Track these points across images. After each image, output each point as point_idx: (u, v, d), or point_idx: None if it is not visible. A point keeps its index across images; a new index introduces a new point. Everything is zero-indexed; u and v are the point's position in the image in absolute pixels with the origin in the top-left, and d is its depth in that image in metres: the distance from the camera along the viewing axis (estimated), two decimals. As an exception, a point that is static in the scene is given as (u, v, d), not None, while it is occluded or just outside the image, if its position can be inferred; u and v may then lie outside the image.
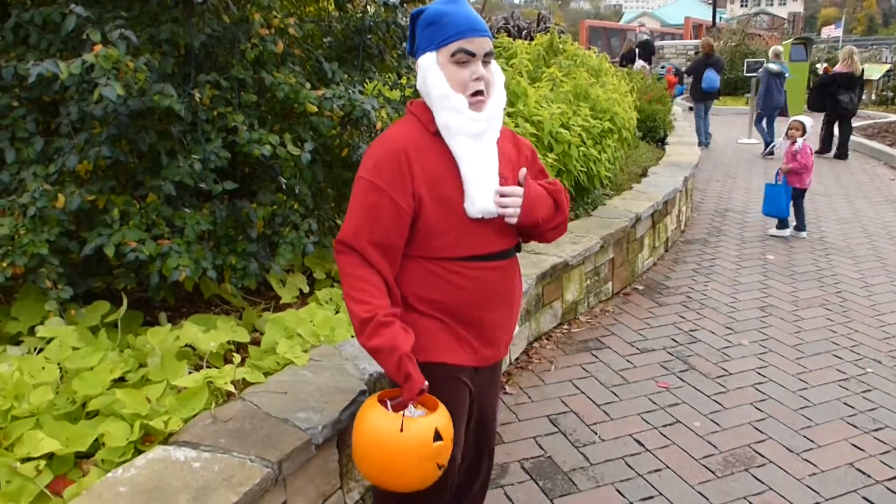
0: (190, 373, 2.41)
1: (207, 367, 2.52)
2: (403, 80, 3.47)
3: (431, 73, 1.69)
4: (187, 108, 2.71)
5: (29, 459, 1.88)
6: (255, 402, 2.19)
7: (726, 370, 3.63)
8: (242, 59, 2.89)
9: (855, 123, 12.62)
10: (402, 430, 1.58)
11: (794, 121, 6.13)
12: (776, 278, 5.09)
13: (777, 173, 6.14)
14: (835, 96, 9.31)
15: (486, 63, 1.70)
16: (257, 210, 2.98)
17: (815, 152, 9.21)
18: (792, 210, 6.17)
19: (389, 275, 1.72)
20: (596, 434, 3.04)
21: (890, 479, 2.72)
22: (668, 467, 2.79)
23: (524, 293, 3.53)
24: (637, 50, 16.71)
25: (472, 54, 1.67)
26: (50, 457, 1.94)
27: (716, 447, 2.93)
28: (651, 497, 2.61)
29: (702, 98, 10.52)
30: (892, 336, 4.07)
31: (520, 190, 1.76)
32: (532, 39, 7.48)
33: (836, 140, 9.86)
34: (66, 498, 1.84)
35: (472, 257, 1.75)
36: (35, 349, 2.44)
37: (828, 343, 3.98)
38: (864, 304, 4.58)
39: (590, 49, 7.67)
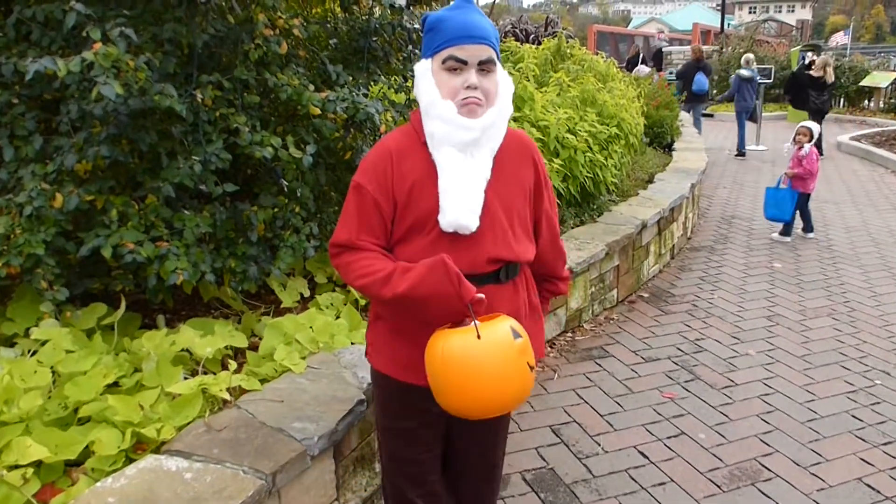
0: (186, 378, 2.37)
1: (203, 372, 2.48)
2: (409, 84, 3.42)
3: (422, 80, 1.63)
4: (189, 109, 2.67)
5: (17, 467, 1.84)
6: (250, 411, 2.15)
7: (732, 381, 3.56)
8: (246, 60, 2.84)
9: (863, 131, 12.55)
10: (479, 336, 1.46)
11: (802, 126, 6.19)
12: (783, 287, 5.03)
13: (781, 177, 6.18)
14: (808, 96, 10.35)
15: (485, 71, 1.59)
16: (258, 213, 2.93)
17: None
18: (798, 214, 6.21)
19: (390, 256, 1.65)
20: (599, 445, 2.98)
21: (900, 497, 2.66)
22: (672, 480, 2.73)
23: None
24: (642, 55, 16.69)
25: (464, 62, 1.57)
26: (39, 464, 1.90)
27: (721, 460, 2.87)
28: (655, 512, 2.55)
29: (693, 100, 11.21)
30: (901, 348, 4.01)
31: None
32: (540, 44, 7.43)
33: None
34: (57, 505, 1.79)
35: None
36: (29, 351, 2.40)
37: (836, 354, 3.91)
38: (873, 314, 4.51)
39: (597, 54, 7.63)
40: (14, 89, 2.70)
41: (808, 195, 6.19)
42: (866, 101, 16.74)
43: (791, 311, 4.57)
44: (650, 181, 6.16)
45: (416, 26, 3.44)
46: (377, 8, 3.38)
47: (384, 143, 1.68)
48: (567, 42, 7.20)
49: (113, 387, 2.30)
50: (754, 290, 4.94)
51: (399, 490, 1.82)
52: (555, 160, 4.49)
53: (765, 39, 21.16)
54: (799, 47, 15.25)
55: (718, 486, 2.69)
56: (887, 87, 15.84)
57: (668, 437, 3.04)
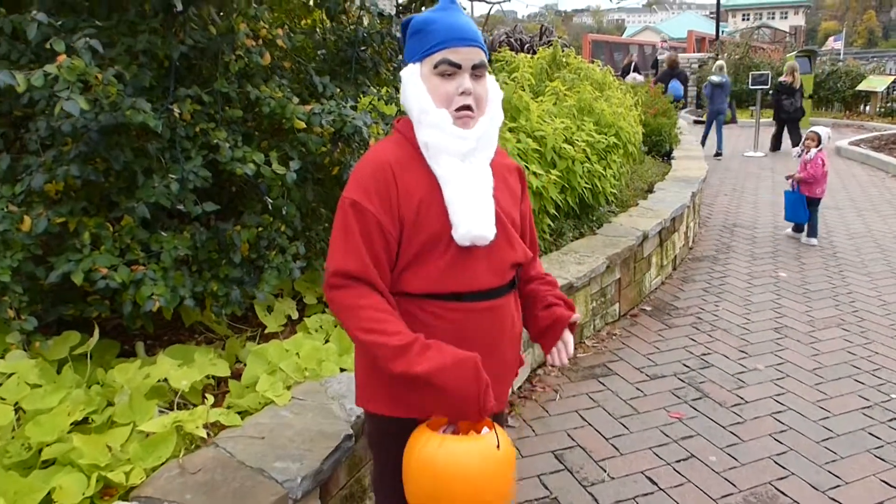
0: (162, 413, 2.21)
1: (181, 405, 2.32)
2: (386, 93, 3.29)
3: (411, 85, 1.51)
4: (166, 124, 2.53)
5: (-28, 518, 1.68)
6: (228, 449, 1.99)
7: (742, 398, 3.41)
8: (226, 72, 2.70)
9: (861, 136, 12.51)
10: (498, 446, 1.37)
11: (811, 131, 6.27)
12: (789, 297, 4.88)
13: (791, 181, 6.29)
14: (780, 102, 11.29)
15: (476, 77, 1.51)
16: (241, 232, 2.78)
17: (771, 150, 11.68)
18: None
19: (394, 304, 1.49)
20: (605, 471, 2.82)
21: (926, 524, 2.50)
22: (683, 510, 2.57)
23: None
24: (634, 63, 16.71)
25: (458, 66, 1.47)
26: (-3, 513, 1.74)
27: (734, 485, 2.71)
28: (666, 545, 2.39)
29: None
30: (916, 360, 3.86)
31: (570, 338, 1.64)
32: (535, 53, 7.32)
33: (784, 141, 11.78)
34: (11, 563, 1.63)
35: (454, 295, 1.51)
36: (-4, 386, 2.24)
37: (847, 367, 3.76)
38: (883, 324, 4.36)
39: (592, 62, 7.51)
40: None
41: (817, 200, 6.25)
42: (863, 106, 16.66)
43: (799, 322, 4.41)
44: (650, 191, 6.03)
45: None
46: (365, 17, 3.24)
47: (379, 155, 1.52)
48: (563, 51, 7.08)
49: (83, 424, 2.14)
50: (760, 301, 4.79)
51: None
52: (552, 171, 4.35)
53: (759, 46, 21.14)
54: (794, 53, 15.17)
55: (733, 515, 2.54)
56: (883, 90, 15.77)
57: (678, 461, 2.88)
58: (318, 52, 3.43)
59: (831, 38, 29.04)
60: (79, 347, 2.52)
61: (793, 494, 2.65)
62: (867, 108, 16.52)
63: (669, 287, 5.12)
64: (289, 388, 2.38)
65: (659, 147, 7.93)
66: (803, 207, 6.18)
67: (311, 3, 3.09)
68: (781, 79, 11.46)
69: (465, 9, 1.83)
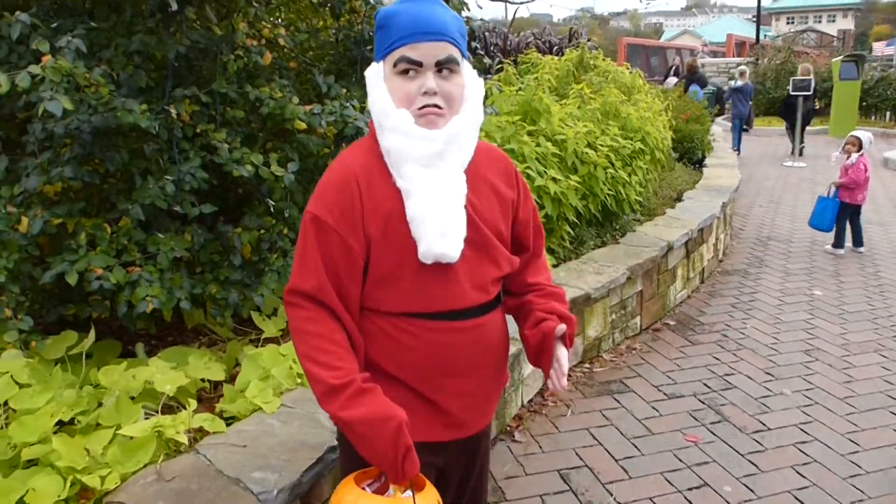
0: (149, 415, 2.17)
1: (172, 411, 2.27)
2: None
3: (374, 87, 1.37)
4: (163, 125, 2.50)
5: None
6: (208, 457, 1.93)
7: (764, 424, 3.23)
8: (225, 72, 2.66)
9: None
10: None
11: (852, 136, 6.12)
12: (824, 317, 4.65)
13: (830, 187, 6.14)
14: (795, 105, 11.46)
15: (447, 73, 1.35)
16: (242, 235, 2.74)
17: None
18: (848, 227, 6.19)
19: (356, 330, 1.39)
20: (611, 495, 2.69)
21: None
22: (691, 540, 2.43)
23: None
24: (674, 67, 16.51)
25: (419, 63, 1.33)
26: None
27: (749, 517, 2.56)
28: (670, 577, 2.26)
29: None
30: (955, 386, 3.63)
31: (563, 354, 1.47)
32: (563, 55, 7.19)
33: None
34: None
35: (427, 314, 1.39)
36: (-16, 386, 2.22)
37: (883, 397, 3.53)
38: (924, 349, 4.13)
39: (625, 66, 7.35)
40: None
41: (858, 207, 6.10)
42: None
43: (832, 344, 4.20)
44: (678, 199, 5.85)
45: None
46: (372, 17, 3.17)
47: (345, 163, 1.39)
48: (590, 53, 6.94)
49: (70, 425, 2.11)
50: (791, 320, 4.58)
51: None
52: (572, 177, 4.22)
53: (804, 50, 20.54)
54: (840, 58, 14.70)
55: (744, 548, 2.39)
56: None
57: (689, 489, 2.73)
58: (330, 52, 3.38)
59: (882, 43, 28.07)
60: (74, 348, 2.49)
61: (811, 528, 2.49)
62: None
63: (695, 301, 4.94)
64: (280, 394, 2.31)
65: (690, 154, 7.72)
66: (832, 216, 6.01)
67: (316, 1, 3.02)
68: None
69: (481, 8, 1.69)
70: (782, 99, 16.00)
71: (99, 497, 1.79)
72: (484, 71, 4.27)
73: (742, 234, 6.92)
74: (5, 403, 2.07)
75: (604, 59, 7.15)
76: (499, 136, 4.16)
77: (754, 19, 26.98)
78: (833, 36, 32.19)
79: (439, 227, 1.33)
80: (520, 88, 5.09)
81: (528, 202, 1.57)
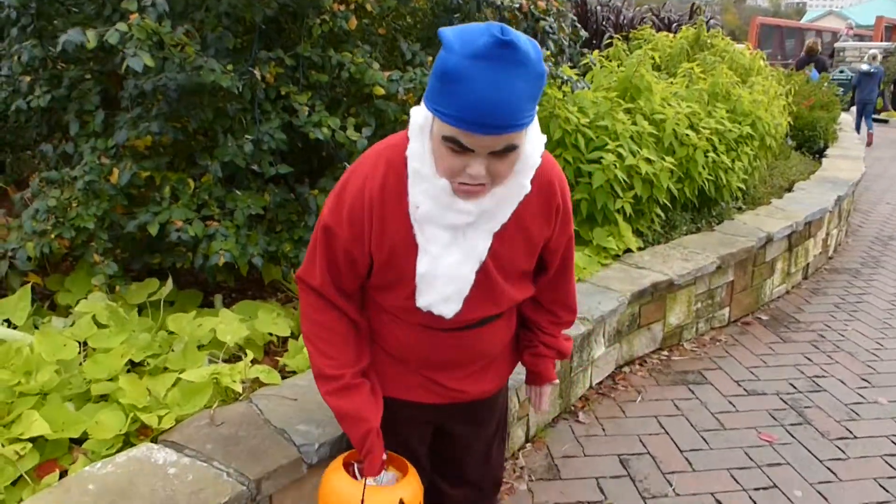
0: (213, 362, 2.28)
1: (236, 360, 2.38)
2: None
3: (416, 135, 1.27)
4: (247, 86, 2.58)
5: (20, 440, 1.82)
6: (259, 407, 2.01)
7: (851, 432, 2.99)
8: (310, 36, 2.71)
9: None
10: (362, 501, 1.39)
11: None
12: (941, 323, 4.24)
13: None
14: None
15: (500, 156, 1.19)
16: (318, 197, 2.81)
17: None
18: None
19: (358, 314, 1.48)
20: (671, 486, 2.59)
21: None
22: (750, 544, 2.30)
23: (613, 311, 3.14)
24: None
25: (469, 150, 1.17)
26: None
27: (819, 527, 2.39)
28: (720, 579, 2.15)
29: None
30: None
31: (546, 392, 1.74)
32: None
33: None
34: (43, 485, 1.75)
35: (427, 327, 1.46)
36: (72, 324, 2.42)
37: None
38: None
39: (758, 49, 6.89)
40: (88, 65, 2.75)
41: None
42: None
43: (945, 353, 3.82)
44: (789, 189, 5.46)
45: (507, 3, 3.16)
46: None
47: (364, 181, 1.33)
48: (708, 31, 6.55)
49: (140, 366, 2.26)
50: (901, 325, 4.20)
51: None
52: (668, 159, 4.02)
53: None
54: None
55: (808, 559, 2.24)
56: None
57: (756, 489, 2.58)
58: (421, 20, 3.38)
59: None
60: (156, 294, 2.65)
61: (890, 548, 2.30)
62: None
63: (794, 297, 4.62)
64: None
65: (811, 143, 7.16)
66: None
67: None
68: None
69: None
70: None
71: (155, 435, 1.90)
72: (580, 43, 4.14)
73: (860, 231, 6.38)
74: (85, 342, 2.24)
75: (723, 38, 6.74)
76: (592, 111, 4.02)
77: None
78: None
79: (445, 292, 1.35)
80: (621, 64, 4.90)
81: (565, 232, 1.49)
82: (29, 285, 2.51)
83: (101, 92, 2.65)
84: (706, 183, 4.37)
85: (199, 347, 2.36)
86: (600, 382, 3.32)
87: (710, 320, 3.98)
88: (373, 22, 3.03)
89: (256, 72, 2.55)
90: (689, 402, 3.21)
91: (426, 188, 1.25)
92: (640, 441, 2.88)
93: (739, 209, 4.79)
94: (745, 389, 3.34)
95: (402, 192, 1.31)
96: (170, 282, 2.62)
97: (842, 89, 9.88)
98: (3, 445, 1.76)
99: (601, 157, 3.73)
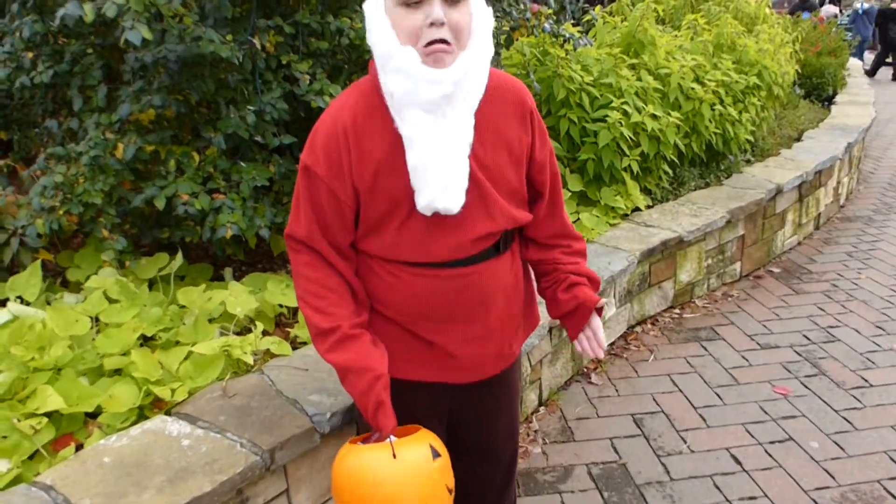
0: (224, 335, 2.29)
1: (248, 332, 2.39)
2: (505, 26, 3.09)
3: (373, 21, 1.27)
4: (247, 56, 2.55)
5: (35, 415, 1.83)
6: (270, 378, 2.02)
7: (866, 380, 2.99)
8: (309, 3, 2.66)
9: None
10: (394, 456, 1.30)
11: None
12: (956, 270, 4.20)
13: None
14: (887, 27, 12.16)
15: (452, 2, 1.23)
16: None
17: (867, 73, 11.53)
18: None
19: (351, 274, 1.41)
20: (685, 443, 2.60)
21: None
22: (766, 496, 2.31)
23: (623, 271, 3.11)
24: None
25: None
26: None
27: (834, 478, 2.39)
28: (736, 530, 2.17)
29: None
30: None
31: (598, 325, 1.51)
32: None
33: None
34: (59, 459, 1.77)
35: (409, 263, 1.38)
36: (85, 299, 2.42)
37: None
38: None
39: None
40: (89, 39, 2.71)
41: None
42: None
43: (961, 299, 3.79)
44: (798, 139, 5.38)
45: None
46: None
47: (337, 112, 1.33)
48: (712, -19, 6.39)
49: (151, 340, 2.27)
50: (916, 272, 4.17)
51: None
52: (673, 114, 3.96)
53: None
54: None
55: (824, 509, 2.25)
56: None
57: (771, 442, 2.59)
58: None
59: None
60: (166, 268, 2.66)
61: (906, 495, 2.30)
62: None
63: (806, 248, 4.58)
64: (347, 323, 2.37)
65: (819, 91, 7.03)
66: None
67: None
68: (856, 5, 12.77)
69: None
70: None
71: (168, 408, 1.92)
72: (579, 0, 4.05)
73: (872, 177, 6.30)
74: (97, 318, 2.25)
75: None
76: (596, 69, 3.95)
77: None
78: None
79: (442, 179, 1.28)
80: (625, 19, 4.79)
81: (546, 144, 1.47)
82: (39, 262, 2.52)
83: (104, 66, 2.62)
84: (713, 137, 4.30)
85: (210, 320, 2.37)
86: (612, 343, 3.32)
87: (722, 276, 3.96)
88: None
89: (256, 41, 2.50)
90: (702, 359, 3.20)
91: (396, 66, 1.24)
92: (654, 400, 2.89)
93: (748, 161, 4.72)
94: (758, 343, 3.33)
95: (377, 111, 1.31)
96: (179, 256, 2.62)
97: (849, 34, 9.68)
98: (19, 420, 1.78)
99: (606, 116, 3.68)
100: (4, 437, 1.77)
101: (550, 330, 2.73)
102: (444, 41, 1.23)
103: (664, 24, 5.74)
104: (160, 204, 2.48)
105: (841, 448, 2.54)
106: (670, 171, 4.14)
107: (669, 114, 3.95)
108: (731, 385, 2.98)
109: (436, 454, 1.35)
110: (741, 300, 3.82)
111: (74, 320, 2.17)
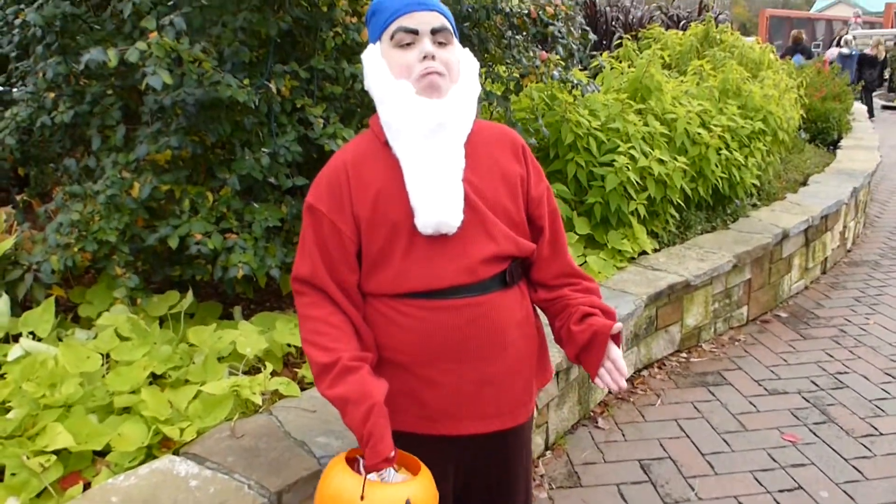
0: (233, 374, 2.30)
1: (256, 372, 2.40)
2: (503, 72, 3.16)
3: (372, 66, 1.40)
4: (263, 100, 2.61)
5: (44, 452, 1.84)
6: (279, 419, 2.03)
7: (876, 429, 2.97)
8: (323, 49, 2.74)
9: None
10: (362, 497, 1.24)
11: None
12: (965, 317, 4.19)
13: None
14: (861, 70, 13.15)
15: (440, 43, 1.38)
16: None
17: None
18: None
19: (356, 314, 1.41)
20: (693, 490, 2.58)
21: None
22: (775, 545, 2.29)
23: (630, 314, 3.12)
24: (840, 37, 15.80)
25: (415, 31, 1.36)
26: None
27: (845, 527, 2.37)
28: (745, 581, 2.14)
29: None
30: None
31: (618, 354, 1.41)
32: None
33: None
34: (67, 497, 1.77)
35: (425, 293, 1.37)
36: (95, 336, 2.45)
37: None
38: None
39: (768, 42, 6.85)
40: (109, 80, 2.79)
41: None
42: None
43: (970, 347, 3.78)
44: (804, 183, 5.42)
45: (515, 9, 3.17)
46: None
47: (339, 154, 1.45)
48: (717, 27, 6.52)
49: (161, 378, 2.29)
50: (924, 318, 4.16)
51: None
52: (680, 158, 4.01)
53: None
54: None
55: (834, 560, 2.22)
56: None
57: (781, 491, 2.56)
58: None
59: None
60: (176, 306, 2.68)
61: (917, 547, 2.27)
62: None
63: (813, 293, 4.58)
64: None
65: (824, 135, 7.10)
66: None
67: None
68: (866, 50, 13.53)
69: None
70: None
71: (177, 447, 1.93)
72: (589, 46, 4.13)
73: (878, 221, 6.32)
74: (108, 355, 2.27)
75: (732, 33, 6.71)
76: (603, 114, 4.02)
77: (920, -14, 24.29)
78: None
79: (439, 194, 1.34)
80: (631, 64, 4.89)
81: (541, 181, 1.52)
82: (52, 298, 2.55)
83: (122, 107, 2.69)
84: (720, 181, 4.35)
85: (220, 359, 2.38)
86: (619, 385, 3.30)
87: (729, 320, 3.96)
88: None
89: (272, 85, 2.57)
90: (709, 404, 3.19)
91: (392, 98, 1.35)
92: (661, 445, 2.87)
93: (754, 206, 4.76)
94: (765, 389, 3.32)
95: (376, 147, 1.41)
96: (190, 294, 2.65)
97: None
98: (27, 458, 1.79)
99: (613, 160, 3.73)
100: (14, 475, 1.78)
101: (557, 373, 2.73)
102: (436, 72, 1.35)
103: (670, 70, 5.84)
104: (173, 243, 2.51)
105: (851, 497, 2.51)
106: (677, 215, 4.17)
107: (676, 158, 4.00)
108: (738, 431, 2.96)
109: None
110: (748, 345, 3.82)
111: (86, 357, 2.19)
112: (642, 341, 3.43)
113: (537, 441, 2.72)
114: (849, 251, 5.43)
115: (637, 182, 3.74)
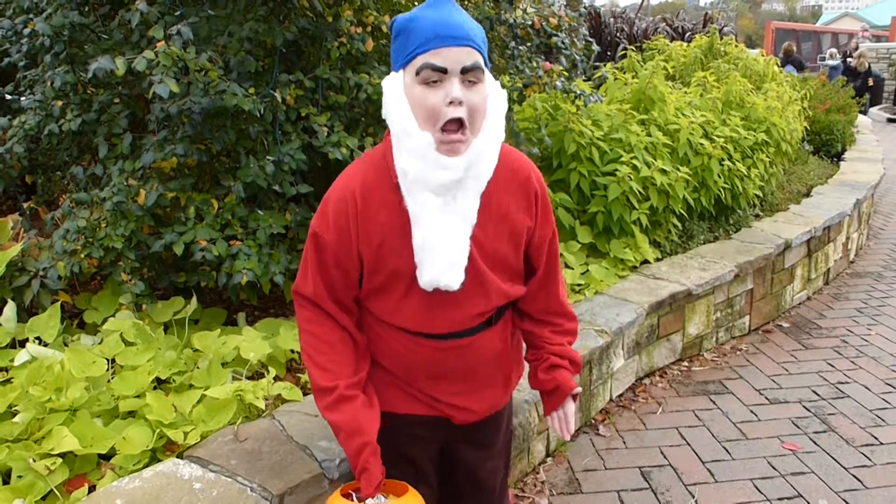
0: (237, 379, 2.33)
1: (260, 377, 2.43)
2: (506, 82, 3.19)
3: (392, 98, 1.32)
4: (268, 109, 2.65)
5: (50, 455, 1.87)
6: (282, 423, 2.05)
7: (876, 438, 2.97)
8: (328, 59, 2.78)
9: None
10: None
11: None
12: (967, 328, 4.18)
13: None
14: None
15: (470, 82, 1.28)
16: (337, 215, 2.86)
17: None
18: None
19: (353, 326, 1.48)
20: (693, 497, 2.59)
21: None
22: (774, 554, 2.29)
23: (632, 323, 3.14)
24: (848, 51, 16.18)
25: (443, 70, 1.26)
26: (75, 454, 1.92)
27: (844, 536, 2.37)
28: (745, 589, 2.15)
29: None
30: None
31: (571, 410, 1.58)
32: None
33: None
34: (72, 500, 1.79)
35: (416, 333, 1.46)
36: (100, 341, 2.48)
37: None
38: None
39: (772, 55, 6.89)
40: (117, 89, 2.83)
41: None
42: None
43: (973, 358, 3.77)
44: (807, 195, 5.43)
45: (519, 20, 3.21)
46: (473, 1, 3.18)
47: (347, 183, 1.39)
48: (721, 39, 6.56)
49: (166, 383, 2.31)
50: (926, 329, 4.16)
51: None
52: (682, 169, 4.03)
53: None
54: None
55: (834, 569, 2.22)
56: None
57: (780, 499, 2.57)
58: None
59: None
60: (181, 312, 2.71)
61: (918, 557, 2.27)
62: None
63: (816, 303, 4.59)
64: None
65: (828, 147, 7.12)
66: None
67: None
68: (850, 62, 14.34)
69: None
70: None
71: (181, 451, 1.95)
72: (592, 57, 4.17)
73: (882, 233, 6.32)
74: (113, 360, 2.30)
75: (736, 45, 6.74)
76: (606, 124, 4.05)
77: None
78: None
79: (446, 258, 1.33)
80: (635, 75, 4.92)
81: (547, 225, 1.52)
82: (59, 304, 2.58)
83: (129, 115, 2.73)
84: (722, 191, 4.37)
85: (224, 365, 2.41)
86: (620, 395, 3.32)
87: (731, 329, 3.97)
88: (389, 43, 3.09)
89: (277, 94, 2.61)
90: (710, 413, 3.20)
91: (411, 148, 1.29)
92: (662, 453, 2.88)
93: (757, 216, 4.77)
94: (766, 398, 3.33)
95: (384, 186, 1.37)
96: (194, 300, 2.68)
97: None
98: (34, 460, 1.82)
99: (616, 170, 3.75)
100: (20, 477, 1.80)
101: (558, 381, 2.75)
102: (460, 123, 1.27)
103: (674, 81, 5.87)
104: (179, 250, 2.55)
105: (851, 507, 2.52)
106: (679, 225, 4.19)
107: (678, 168, 4.02)
108: (739, 440, 2.97)
109: None
110: (750, 354, 3.83)
111: (91, 362, 2.22)
112: (644, 350, 3.44)
113: (538, 448, 2.73)
114: (852, 262, 5.44)
115: (639, 192, 3.77)
